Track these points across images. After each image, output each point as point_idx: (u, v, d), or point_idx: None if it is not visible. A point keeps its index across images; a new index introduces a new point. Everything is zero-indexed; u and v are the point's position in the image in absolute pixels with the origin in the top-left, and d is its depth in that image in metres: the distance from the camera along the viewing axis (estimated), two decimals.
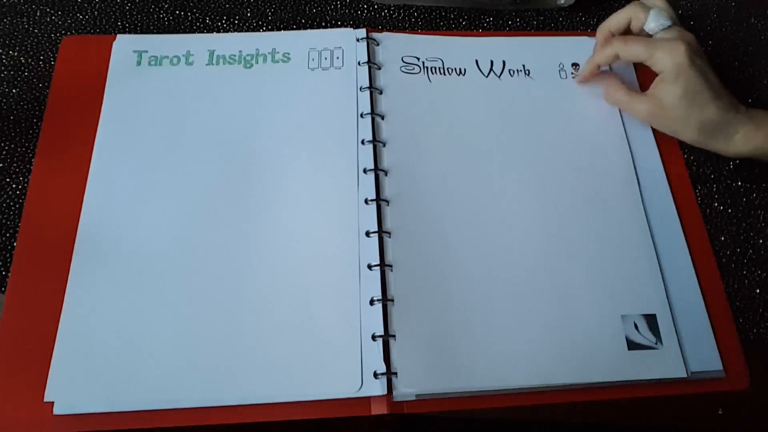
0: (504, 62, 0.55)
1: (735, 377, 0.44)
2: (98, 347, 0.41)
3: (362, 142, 0.49)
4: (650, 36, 0.49)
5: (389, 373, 0.41)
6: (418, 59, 0.54)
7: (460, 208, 0.47)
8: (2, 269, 0.45)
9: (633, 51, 0.48)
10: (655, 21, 0.48)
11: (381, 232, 0.45)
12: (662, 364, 0.43)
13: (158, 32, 0.56)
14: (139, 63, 0.52)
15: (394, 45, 0.54)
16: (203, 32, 0.56)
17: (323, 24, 0.58)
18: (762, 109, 0.48)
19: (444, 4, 0.60)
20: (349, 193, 0.47)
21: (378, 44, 0.54)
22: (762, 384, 0.44)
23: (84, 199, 0.46)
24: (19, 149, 0.50)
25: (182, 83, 0.52)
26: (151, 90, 0.51)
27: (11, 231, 0.47)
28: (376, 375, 0.41)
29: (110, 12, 0.57)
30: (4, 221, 0.47)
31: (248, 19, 0.58)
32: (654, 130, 0.52)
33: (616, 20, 0.50)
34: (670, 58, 0.46)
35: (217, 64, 0.53)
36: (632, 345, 0.43)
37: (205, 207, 0.47)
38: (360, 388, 0.41)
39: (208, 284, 0.44)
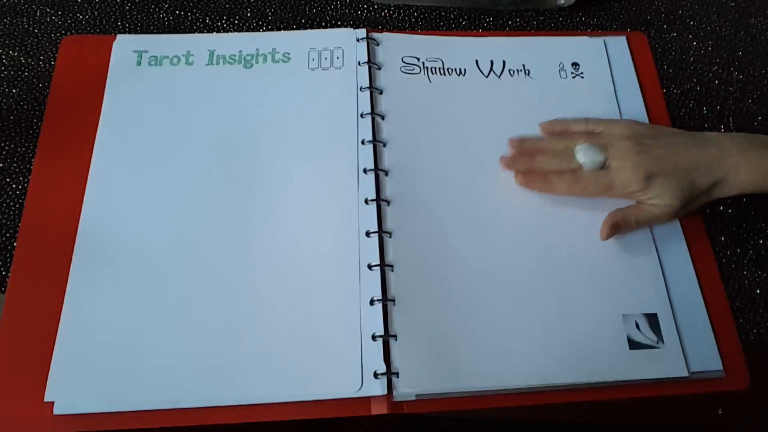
0: (504, 62, 0.55)
1: (735, 377, 0.44)
2: (98, 347, 0.41)
3: (362, 142, 0.49)
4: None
5: (389, 373, 0.41)
6: (418, 59, 0.54)
7: (460, 208, 0.47)
8: (2, 269, 0.45)
9: (591, 191, 0.47)
10: (591, 165, 0.46)
11: (381, 232, 0.45)
12: (663, 364, 0.43)
13: (158, 32, 0.56)
14: (139, 63, 0.52)
15: (394, 45, 0.54)
16: (203, 32, 0.56)
17: (323, 24, 0.58)
18: (733, 139, 0.47)
19: (444, 4, 0.60)
20: (349, 193, 0.47)
21: (378, 44, 0.54)
22: (762, 384, 0.44)
23: (84, 199, 0.46)
24: (19, 149, 0.50)
25: (182, 83, 0.52)
26: (151, 90, 0.51)
27: (11, 231, 0.47)
28: (376, 375, 0.41)
29: (110, 12, 0.57)
30: (4, 221, 0.47)
31: (248, 19, 0.58)
32: None
33: (558, 192, 0.48)
34: (631, 185, 0.45)
35: (217, 64, 0.53)
36: (634, 344, 0.43)
37: (205, 207, 0.47)
38: (360, 388, 0.41)
39: (207, 284, 0.44)
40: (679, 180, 0.45)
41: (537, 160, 0.48)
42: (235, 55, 0.53)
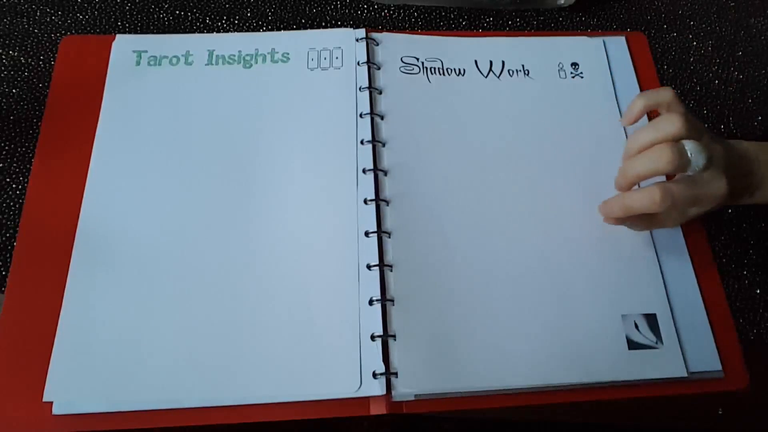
0: (503, 62, 0.55)
1: (734, 377, 0.44)
2: (97, 347, 0.41)
3: (361, 142, 0.49)
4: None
5: (388, 373, 0.41)
6: (418, 59, 0.54)
7: (460, 208, 0.47)
8: (2, 269, 0.45)
9: (680, 205, 0.41)
10: (695, 166, 0.40)
11: (380, 232, 0.45)
12: (663, 364, 0.43)
13: (158, 32, 0.56)
14: (138, 63, 0.52)
15: (394, 45, 0.54)
16: (203, 32, 0.57)
17: (323, 24, 0.58)
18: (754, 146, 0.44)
19: (444, 4, 0.60)
20: (348, 193, 0.47)
21: (377, 44, 0.54)
22: (762, 384, 0.44)
23: (83, 199, 0.46)
24: (19, 149, 0.50)
25: (182, 83, 0.52)
26: (150, 90, 0.51)
27: (11, 231, 0.47)
28: (375, 375, 0.41)
29: (110, 12, 0.57)
30: (4, 221, 0.47)
31: (248, 19, 0.58)
32: None
33: (653, 168, 0.41)
34: (714, 201, 0.41)
35: (217, 64, 0.53)
36: (633, 344, 0.43)
37: (204, 207, 0.47)
38: (359, 388, 0.41)
39: (207, 284, 0.44)
40: (737, 194, 0.42)
41: (625, 170, 0.42)
42: (234, 55, 0.53)
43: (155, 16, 0.57)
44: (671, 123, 0.40)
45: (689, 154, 0.39)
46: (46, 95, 0.51)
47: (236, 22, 0.58)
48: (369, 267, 0.44)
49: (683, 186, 0.40)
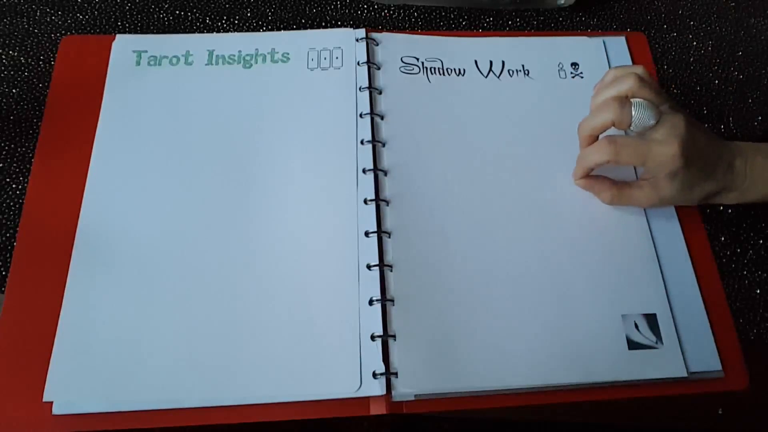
0: (503, 62, 0.55)
1: (734, 377, 0.44)
2: (97, 347, 0.41)
3: (361, 142, 0.49)
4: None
5: (388, 373, 0.41)
6: (418, 59, 0.54)
7: (460, 208, 0.47)
8: (2, 269, 0.45)
9: (625, 157, 0.43)
10: (639, 121, 0.43)
11: (380, 232, 0.45)
12: (662, 364, 0.43)
13: (158, 32, 0.56)
14: (138, 63, 0.52)
15: (394, 45, 0.54)
16: (203, 32, 0.57)
17: (323, 24, 0.58)
18: (752, 147, 0.45)
19: (444, 4, 0.60)
20: (348, 193, 0.47)
21: (377, 44, 0.54)
22: (762, 384, 0.44)
23: (83, 199, 0.46)
24: (19, 149, 0.50)
25: (181, 83, 0.52)
26: (150, 90, 0.51)
27: (11, 231, 0.47)
28: (375, 375, 0.41)
29: (110, 12, 0.57)
30: (4, 221, 0.47)
31: (248, 19, 0.58)
32: None
33: (600, 121, 0.44)
34: (664, 166, 0.43)
35: (217, 64, 0.53)
36: (633, 344, 0.43)
37: (204, 207, 0.47)
38: (359, 388, 0.41)
39: (207, 284, 0.44)
40: (702, 178, 0.43)
41: (579, 126, 0.46)
42: (234, 55, 0.53)
43: (155, 16, 0.57)
44: (625, 82, 0.44)
45: (634, 110, 0.42)
46: (46, 95, 0.51)
47: (236, 22, 0.58)
48: (369, 267, 0.44)
49: (630, 139, 0.43)
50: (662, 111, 0.43)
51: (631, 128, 0.43)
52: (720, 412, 0.45)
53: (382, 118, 0.51)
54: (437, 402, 0.42)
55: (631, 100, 0.43)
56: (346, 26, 0.57)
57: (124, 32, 0.56)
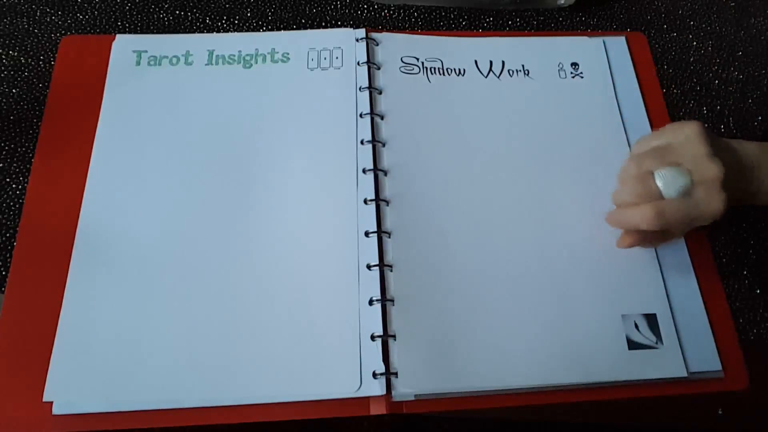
0: (503, 62, 0.55)
1: (734, 377, 0.44)
2: (97, 347, 0.41)
3: (361, 142, 0.49)
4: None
5: (388, 373, 0.41)
6: (418, 59, 0.54)
7: (460, 208, 0.47)
8: (2, 269, 0.45)
9: (675, 226, 0.41)
10: (669, 190, 0.40)
11: (380, 232, 0.45)
12: (662, 364, 0.43)
13: (158, 32, 0.56)
14: (138, 63, 0.52)
15: (394, 45, 0.54)
16: (203, 32, 0.57)
17: (323, 24, 0.58)
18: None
19: (444, 4, 0.60)
20: (348, 193, 0.47)
21: (377, 44, 0.54)
22: (762, 384, 0.44)
23: (83, 199, 0.46)
24: (19, 149, 0.50)
25: (181, 83, 0.52)
26: (150, 90, 0.51)
27: (11, 231, 0.47)
28: (375, 375, 0.41)
29: (110, 12, 0.57)
30: (4, 221, 0.47)
31: (248, 19, 0.58)
32: (653, 129, 0.52)
33: (631, 223, 0.42)
34: (713, 217, 0.40)
35: (217, 64, 0.53)
36: (633, 344, 0.43)
37: (204, 207, 0.47)
38: (359, 388, 0.41)
39: (207, 284, 0.44)
40: (743, 198, 0.42)
41: (614, 197, 0.44)
42: (234, 55, 0.53)
43: (155, 16, 0.57)
44: (643, 162, 0.41)
45: (659, 182, 0.40)
46: (46, 95, 0.51)
47: (236, 22, 0.58)
48: (369, 267, 0.44)
49: (676, 205, 0.40)
50: (691, 169, 0.40)
51: (666, 195, 0.40)
52: (720, 412, 0.45)
53: (382, 118, 0.51)
54: (437, 402, 0.42)
55: (654, 173, 0.40)
56: (346, 26, 0.57)
57: (124, 32, 0.56)
